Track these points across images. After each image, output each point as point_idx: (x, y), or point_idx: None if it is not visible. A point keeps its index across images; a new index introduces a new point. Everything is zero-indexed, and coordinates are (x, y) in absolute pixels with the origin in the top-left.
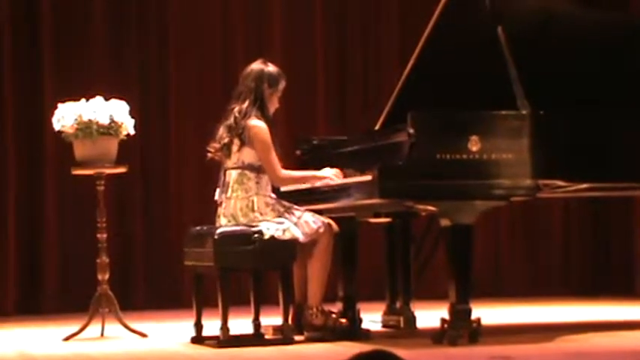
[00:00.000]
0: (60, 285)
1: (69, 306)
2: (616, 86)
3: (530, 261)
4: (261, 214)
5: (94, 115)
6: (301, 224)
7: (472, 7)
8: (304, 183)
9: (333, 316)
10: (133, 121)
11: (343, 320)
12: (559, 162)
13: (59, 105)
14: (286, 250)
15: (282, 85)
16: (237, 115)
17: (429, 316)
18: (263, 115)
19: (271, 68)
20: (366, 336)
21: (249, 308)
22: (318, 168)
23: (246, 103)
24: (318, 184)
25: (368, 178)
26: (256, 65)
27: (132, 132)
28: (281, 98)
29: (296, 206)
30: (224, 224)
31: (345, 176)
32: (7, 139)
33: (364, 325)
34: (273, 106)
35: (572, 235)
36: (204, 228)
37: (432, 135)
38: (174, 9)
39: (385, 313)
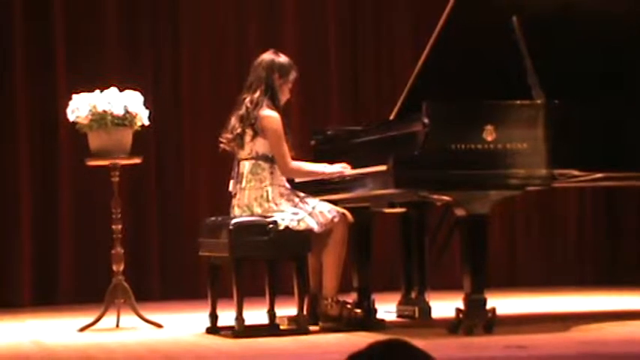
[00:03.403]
0: (75, 276)
1: (84, 297)
2: (633, 75)
3: (545, 251)
4: (275, 204)
5: (108, 106)
6: (316, 214)
7: None
8: (313, 177)
9: (348, 306)
10: (147, 111)
11: (358, 310)
12: (574, 151)
13: (74, 96)
14: (301, 241)
15: (292, 75)
16: (248, 105)
17: (444, 306)
18: (274, 105)
19: (282, 58)
20: (381, 326)
21: (264, 299)
22: (333, 158)
23: (258, 93)
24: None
25: (383, 168)
26: (267, 55)
27: (146, 123)
28: (293, 89)
29: (310, 196)
30: (238, 215)
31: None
32: (22, 130)
33: (379, 316)
34: (284, 96)
35: (586, 225)
36: (219, 218)
37: (447, 125)
38: (187, 0)
39: (400, 304)
